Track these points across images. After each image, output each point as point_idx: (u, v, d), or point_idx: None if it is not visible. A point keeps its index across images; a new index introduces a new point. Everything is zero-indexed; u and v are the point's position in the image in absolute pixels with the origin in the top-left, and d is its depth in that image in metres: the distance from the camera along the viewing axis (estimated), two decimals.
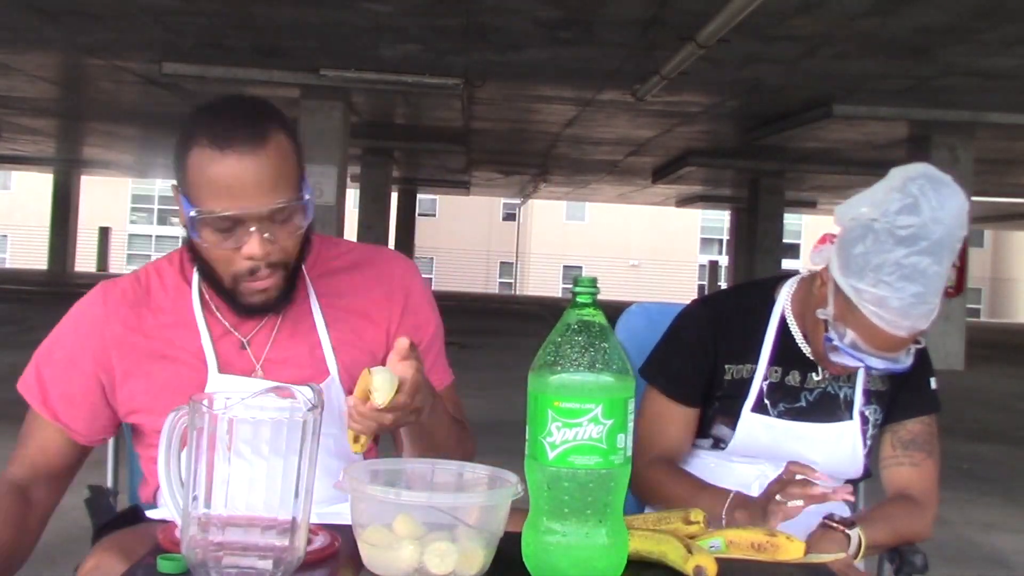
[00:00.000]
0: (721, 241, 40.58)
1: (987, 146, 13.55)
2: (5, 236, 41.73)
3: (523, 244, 40.37)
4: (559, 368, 1.15)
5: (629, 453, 1.17)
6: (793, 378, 1.82)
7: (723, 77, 10.16)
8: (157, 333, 1.62)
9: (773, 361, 1.82)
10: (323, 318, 1.65)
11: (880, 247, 1.57)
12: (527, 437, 1.19)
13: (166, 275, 1.67)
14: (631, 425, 1.17)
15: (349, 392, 1.62)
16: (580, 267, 37.90)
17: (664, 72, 9.32)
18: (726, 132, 14.32)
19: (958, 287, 12.87)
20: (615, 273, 34.50)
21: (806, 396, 1.82)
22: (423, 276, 1.80)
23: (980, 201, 18.48)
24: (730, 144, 15.52)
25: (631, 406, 1.17)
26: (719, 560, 1.23)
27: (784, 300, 1.84)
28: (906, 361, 1.65)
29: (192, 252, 1.57)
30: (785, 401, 1.82)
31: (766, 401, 1.81)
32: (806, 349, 1.80)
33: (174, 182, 1.55)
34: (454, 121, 13.98)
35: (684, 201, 27.20)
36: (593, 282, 1.19)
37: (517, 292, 35.35)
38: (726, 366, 1.84)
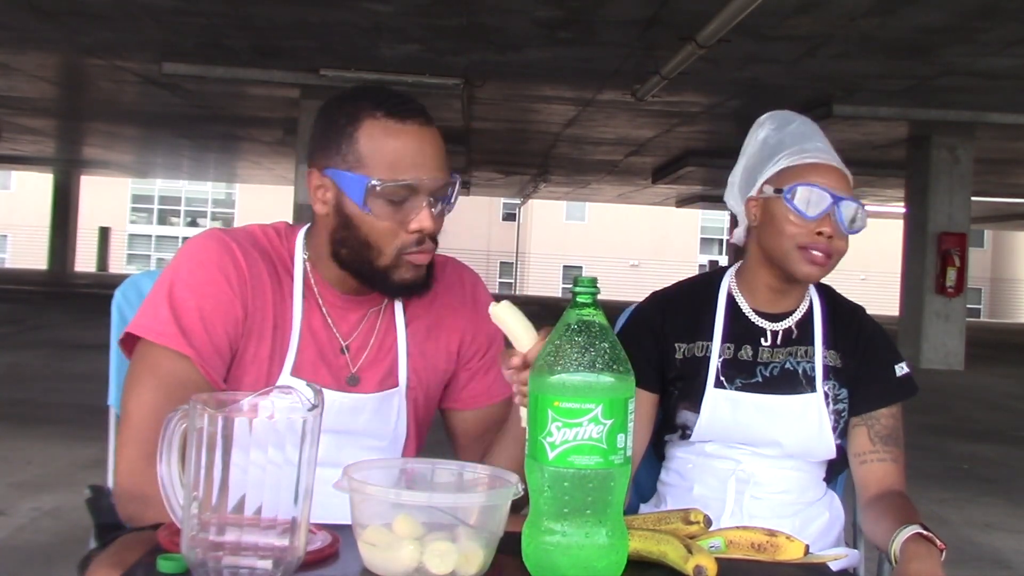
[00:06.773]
0: (721, 241, 40.59)
1: (987, 146, 13.55)
2: (5, 236, 41.73)
3: (523, 244, 40.37)
4: (559, 368, 1.16)
5: (629, 453, 1.17)
6: (745, 352, 1.87)
7: (723, 77, 10.16)
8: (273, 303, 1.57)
9: (725, 338, 1.88)
10: (405, 329, 1.64)
11: (764, 147, 1.91)
12: (527, 437, 1.19)
13: (282, 251, 1.60)
14: (631, 425, 1.17)
15: (415, 404, 1.64)
16: (580, 267, 37.90)
17: (664, 72, 9.32)
18: (726, 132, 14.31)
19: (958, 287, 12.85)
20: (615, 273, 34.44)
21: (761, 371, 1.86)
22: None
23: (980, 201, 18.46)
24: (730, 144, 15.48)
25: (631, 406, 1.17)
26: (719, 560, 1.23)
27: (729, 278, 1.93)
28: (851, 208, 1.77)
29: (336, 236, 1.53)
30: (741, 377, 1.86)
31: (722, 377, 1.85)
32: (753, 317, 1.87)
33: (321, 165, 1.52)
34: (454, 121, 13.96)
35: (684, 201, 27.18)
36: (593, 282, 1.19)
37: (517, 292, 35.30)
38: (676, 344, 1.89)
